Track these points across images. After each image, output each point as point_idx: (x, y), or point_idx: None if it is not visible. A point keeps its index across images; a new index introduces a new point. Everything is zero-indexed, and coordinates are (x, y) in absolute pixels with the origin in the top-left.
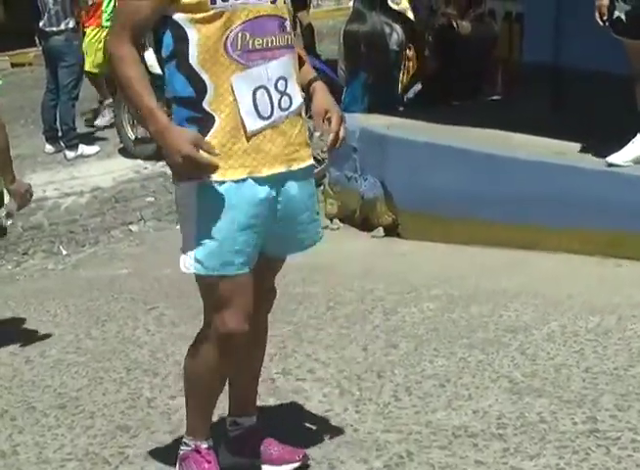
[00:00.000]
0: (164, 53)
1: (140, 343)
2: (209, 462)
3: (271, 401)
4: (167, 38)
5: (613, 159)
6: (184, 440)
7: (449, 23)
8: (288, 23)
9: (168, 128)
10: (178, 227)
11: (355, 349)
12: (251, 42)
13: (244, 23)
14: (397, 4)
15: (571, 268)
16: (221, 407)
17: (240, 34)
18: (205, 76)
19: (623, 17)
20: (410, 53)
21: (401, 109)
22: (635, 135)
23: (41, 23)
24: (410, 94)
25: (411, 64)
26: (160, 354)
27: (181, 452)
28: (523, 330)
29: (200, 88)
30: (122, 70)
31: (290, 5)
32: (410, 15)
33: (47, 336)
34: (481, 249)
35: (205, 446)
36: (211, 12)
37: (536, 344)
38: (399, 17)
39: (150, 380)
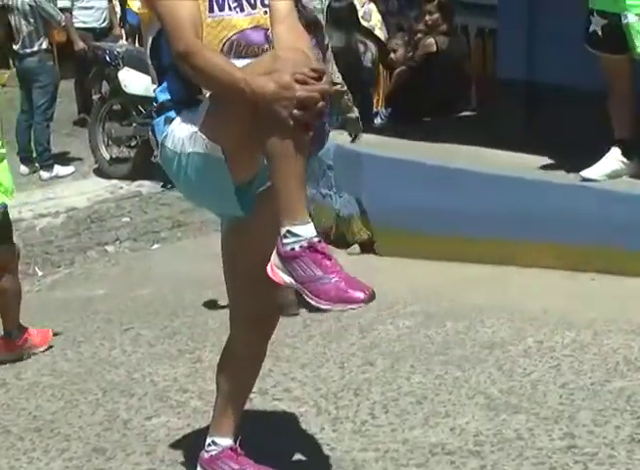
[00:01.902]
0: (165, 60)
1: (116, 363)
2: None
3: (248, 421)
4: (166, 44)
5: (587, 173)
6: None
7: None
8: (270, 33)
9: (268, 78)
10: (154, 247)
11: (332, 367)
12: (244, 51)
13: (238, 33)
14: (367, 21)
15: (546, 283)
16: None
17: (235, 42)
18: None
19: (599, 31)
20: (381, 71)
21: (375, 126)
22: (609, 150)
23: (15, 46)
24: (384, 111)
25: (382, 82)
26: (137, 375)
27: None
28: (499, 346)
29: (195, 88)
30: (198, 61)
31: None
32: (378, 33)
33: (22, 358)
34: (457, 265)
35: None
36: (209, 20)
37: (513, 360)
38: (370, 34)
39: (126, 401)
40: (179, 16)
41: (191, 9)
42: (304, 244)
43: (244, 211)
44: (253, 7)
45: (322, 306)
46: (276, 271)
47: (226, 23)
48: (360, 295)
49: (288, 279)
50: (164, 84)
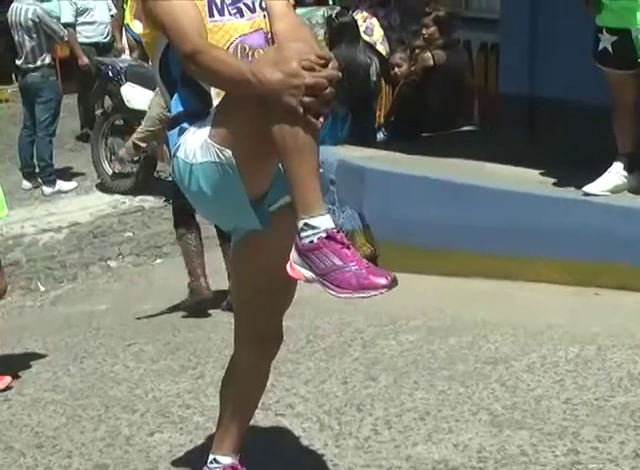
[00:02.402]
0: (175, 74)
1: (118, 379)
2: None
3: (250, 437)
4: (175, 58)
5: (589, 188)
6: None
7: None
8: (269, 35)
9: (274, 67)
10: (157, 262)
11: (335, 382)
12: (250, 54)
13: (240, 36)
14: (370, 36)
15: (549, 298)
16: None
17: (239, 46)
18: (211, 89)
19: (610, 48)
20: (383, 86)
21: (379, 140)
22: (611, 164)
23: (18, 61)
24: (387, 126)
25: (384, 96)
26: (139, 391)
27: None
28: (502, 361)
29: (206, 100)
30: (205, 59)
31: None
32: (380, 48)
33: (25, 374)
34: (460, 280)
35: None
36: (210, 25)
37: (516, 375)
38: (372, 49)
39: (128, 417)
40: (182, 20)
41: (193, 13)
42: (323, 235)
43: (262, 224)
44: (253, 11)
45: (342, 296)
46: (295, 267)
47: (227, 27)
48: (382, 280)
49: (308, 274)
50: (177, 97)
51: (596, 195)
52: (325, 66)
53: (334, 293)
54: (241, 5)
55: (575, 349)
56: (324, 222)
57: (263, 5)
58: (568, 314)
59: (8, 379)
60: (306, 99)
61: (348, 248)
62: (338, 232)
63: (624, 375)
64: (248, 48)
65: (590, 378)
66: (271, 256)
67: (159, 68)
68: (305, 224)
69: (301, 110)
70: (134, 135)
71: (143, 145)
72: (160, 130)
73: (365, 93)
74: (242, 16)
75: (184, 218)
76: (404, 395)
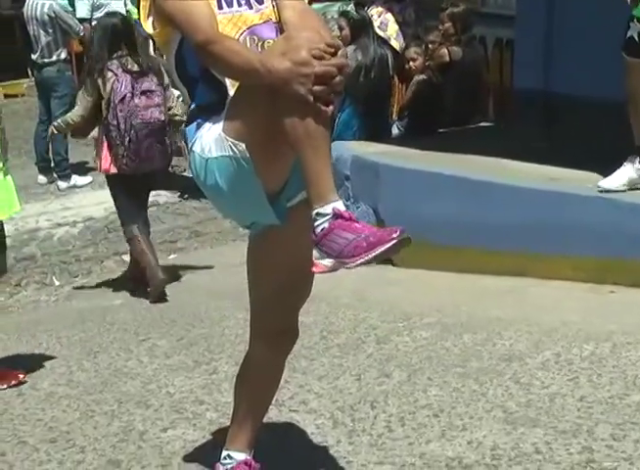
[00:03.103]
0: (191, 70)
1: (132, 374)
2: None
3: (264, 433)
4: (191, 51)
5: (605, 183)
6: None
7: (435, 48)
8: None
9: (283, 57)
10: (171, 257)
11: (349, 379)
12: (260, 45)
13: (249, 28)
14: (384, 31)
15: (564, 295)
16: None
17: (248, 38)
18: (226, 82)
19: (636, 36)
20: (396, 82)
21: (393, 136)
22: (626, 159)
23: (34, 55)
24: (401, 122)
25: (398, 92)
26: (153, 386)
27: None
28: (517, 359)
29: (222, 93)
30: (217, 48)
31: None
32: (394, 43)
33: (39, 368)
34: (475, 276)
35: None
36: (220, 17)
37: (531, 373)
38: (386, 45)
39: (142, 412)
40: (194, 12)
41: (204, 4)
42: (331, 218)
43: (279, 219)
44: (261, 2)
45: (358, 262)
46: (316, 263)
47: (236, 19)
48: (391, 234)
49: (327, 262)
50: (196, 93)
51: (612, 190)
52: (334, 54)
53: (351, 265)
54: None
55: (590, 346)
56: (333, 206)
57: None
58: (582, 311)
59: (21, 375)
60: (316, 88)
61: (358, 222)
62: (345, 210)
63: (639, 373)
64: (257, 39)
65: (605, 376)
66: (289, 251)
67: (175, 64)
68: (317, 214)
69: (311, 98)
70: (67, 115)
71: (60, 130)
72: (78, 126)
73: (379, 88)
74: (250, 7)
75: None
76: (418, 391)
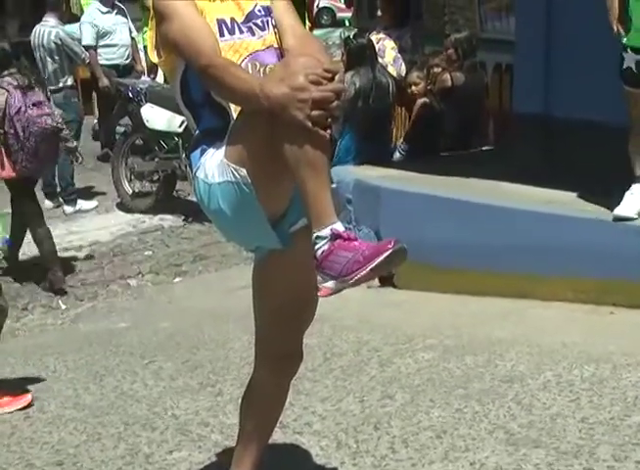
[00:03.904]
0: (195, 95)
1: (138, 397)
2: None
3: (269, 455)
4: (195, 78)
5: (620, 211)
6: None
7: (438, 73)
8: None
9: (281, 82)
10: (176, 280)
11: (352, 400)
12: (262, 70)
13: (251, 54)
14: (382, 57)
15: (564, 317)
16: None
17: (250, 64)
18: (230, 107)
19: (634, 67)
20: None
21: (395, 160)
22: (625, 183)
23: None
24: (402, 146)
25: (398, 117)
26: (158, 409)
27: None
28: (518, 380)
29: (226, 118)
30: (218, 72)
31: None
32: (391, 69)
33: (46, 391)
34: (476, 298)
35: None
36: (221, 44)
37: (532, 394)
38: (385, 70)
39: (148, 435)
40: (197, 37)
41: (207, 30)
42: (330, 239)
43: (282, 243)
44: (263, 29)
45: (357, 278)
46: (321, 287)
47: (238, 46)
48: (386, 245)
49: (330, 284)
50: (200, 119)
51: (630, 218)
52: (332, 79)
53: (352, 281)
54: (251, 24)
55: (591, 367)
56: (332, 228)
57: (274, 22)
58: (583, 333)
59: (29, 398)
60: (314, 112)
61: (356, 240)
62: (344, 231)
63: (639, 394)
64: (259, 65)
65: (605, 397)
66: (293, 275)
67: (179, 90)
68: (317, 237)
69: (309, 123)
70: None
71: None
72: None
73: (379, 114)
74: (253, 34)
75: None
76: (421, 413)
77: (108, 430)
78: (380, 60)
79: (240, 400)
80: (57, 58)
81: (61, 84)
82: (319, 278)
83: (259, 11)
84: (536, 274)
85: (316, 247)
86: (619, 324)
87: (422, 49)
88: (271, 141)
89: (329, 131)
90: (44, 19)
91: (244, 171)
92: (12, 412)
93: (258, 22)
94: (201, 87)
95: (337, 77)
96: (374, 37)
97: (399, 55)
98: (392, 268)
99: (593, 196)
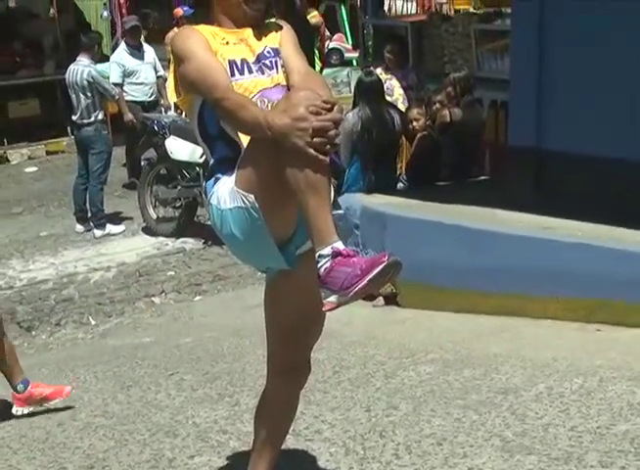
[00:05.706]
0: (211, 129)
1: (162, 406)
2: None
3: (282, 460)
4: (210, 113)
5: None
6: None
7: (438, 109)
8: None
9: (283, 114)
10: (196, 299)
11: (359, 410)
12: (270, 106)
13: (260, 91)
14: (390, 96)
15: (555, 334)
16: None
17: (259, 100)
18: (242, 141)
19: None
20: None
21: (399, 189)
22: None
23: (74, 116)
24: (404, 176)
25: (404, 150)
26: (180, 417)
27: None
28: (513, 392)
29: (237, 149)
30: (230, 105)
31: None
32: (401, 106)
33: (77, 400)
34: (473, 316)
35: None
36: (233, 83)
37: (525, 404)
38: (393, 107)
39: (170, 441)
40: (212, 74)
41: (221, 68)
42: (331, 256)
43: (289, 264)
44: (271, 68)
45: (355, 290)
46: (324, 302)
47: (248, 84)
48: (381, 258)
49: (333, 298)
50: (215, 150)
51: None
52: (330, 110)
53: (351, 293)
54: (261, 65)
55: (579, 380)
56: (332, 246)
57: (281, 63)
58: (572, 348)
59: (69, 388)
60: (315, 140)
61: (355, 256)
62: (344, 249)
63: (624, 405)
64: (267, 101)
65: (593, 407)
66: (300, 293)
67: (197, 124)
68: (320, 255)
69: (310, 149)
70: None
71: None
72: None
73: (386, 146)
74: (262, 73)
75: None
76: (423, 422)
77: (134, 436)
78: (389, 98)
79: (255, 410)
80: (89, 94)
81: (92, 118)
82: (322, 293)
83: (269, 52)
84: (529, 294)
85: (319, 265)
86: (605, 341)
87: (426, 86)
88: (276, 168)
89: (328, 157)
90: (78, 58)
91: (252, 197)
92: (56, 401)
93: (267, 62)
94: (215, 122)
95: (335, 108)
96: (382, 77)
97: (404, 93)
98: (388, 280)
99: (582, 222)
